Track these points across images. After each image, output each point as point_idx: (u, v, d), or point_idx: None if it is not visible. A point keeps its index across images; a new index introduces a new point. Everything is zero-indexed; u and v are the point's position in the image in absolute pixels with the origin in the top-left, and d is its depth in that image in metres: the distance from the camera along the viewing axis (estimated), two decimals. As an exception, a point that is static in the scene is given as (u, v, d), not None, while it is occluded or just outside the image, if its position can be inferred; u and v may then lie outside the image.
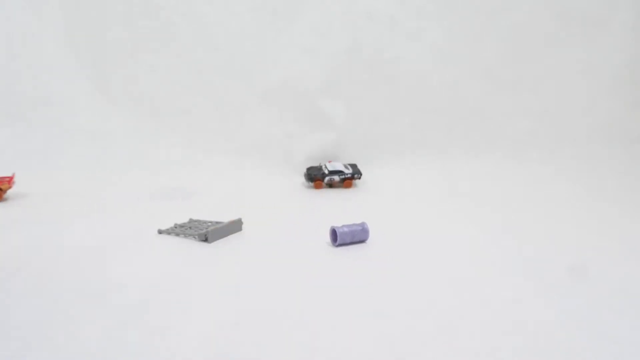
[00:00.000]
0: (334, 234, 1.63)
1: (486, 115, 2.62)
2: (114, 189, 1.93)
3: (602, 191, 2.08)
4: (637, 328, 0.74)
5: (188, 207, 1.98)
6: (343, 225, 1.61)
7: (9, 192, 2.51)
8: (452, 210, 1.77)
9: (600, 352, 0.65)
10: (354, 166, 3.04)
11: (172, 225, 1.90)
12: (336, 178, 2.99)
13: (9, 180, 2.62)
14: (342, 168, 2.97)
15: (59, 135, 2.49)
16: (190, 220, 1.94)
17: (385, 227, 1.63)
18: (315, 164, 2.92)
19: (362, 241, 1.57)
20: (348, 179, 2.99)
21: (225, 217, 1.64)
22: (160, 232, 1.76)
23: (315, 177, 2.86)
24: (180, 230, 1.83)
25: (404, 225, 1.55)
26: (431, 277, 1.09)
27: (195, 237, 1.67)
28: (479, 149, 2.56)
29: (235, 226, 1.79)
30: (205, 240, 1.65)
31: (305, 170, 3.03)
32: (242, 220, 1.69)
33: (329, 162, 3.03)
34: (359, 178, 2.88)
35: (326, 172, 2.98)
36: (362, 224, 1.60)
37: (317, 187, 2.84)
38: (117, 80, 2.49)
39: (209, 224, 1.86)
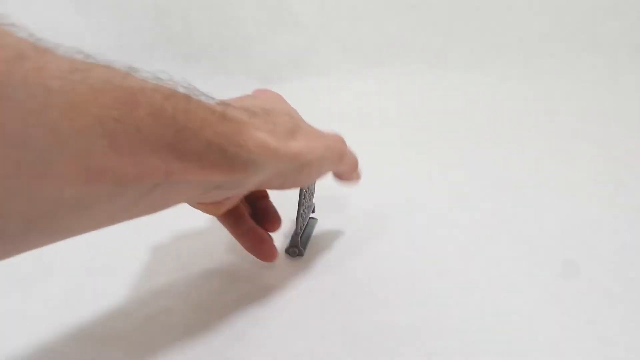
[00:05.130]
0: None
1: (492, 12, 2.02)
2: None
3: (628, 114, 1.61)
4: None
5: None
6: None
7: None
8: (447, 138, 1.34)
9: None
10: None
11: None
12: None
13: None
14: None
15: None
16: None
17: (367, 161, 1.14)
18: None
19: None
20: None
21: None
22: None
23: None
24: None
25: (389, 157, 1.12)
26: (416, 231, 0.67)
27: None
28: (481, 56, 2.01)
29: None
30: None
31: None
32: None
33: None
34: None
35: None
36: None
37: None
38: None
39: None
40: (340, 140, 0.42)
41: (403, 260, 0.53)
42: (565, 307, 0.46)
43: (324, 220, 0.61)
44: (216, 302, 0.44)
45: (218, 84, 1.37)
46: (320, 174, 0.41)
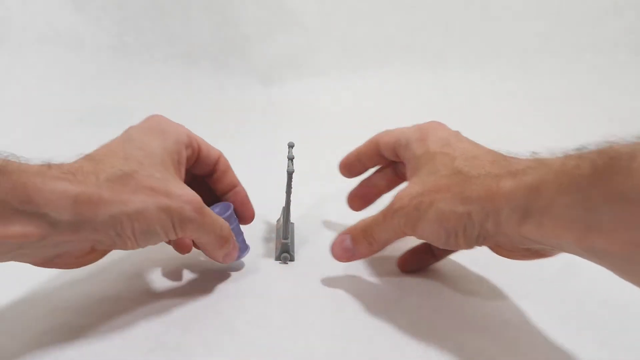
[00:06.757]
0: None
1: (491, 14, 2.02)
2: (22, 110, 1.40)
3: (628, 112, 1.60)
4: None
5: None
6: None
7: None
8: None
9: None
10: None
11: None
12: None
13: None
14: None
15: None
16: None
17: None
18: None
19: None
20: None
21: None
22: None
23: None
24: None
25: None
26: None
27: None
28: (480, 56, 2.01)
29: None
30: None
31: None
32: None
33: None
34: None
35: None
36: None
37: None
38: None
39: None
40: (186, 202, 0.36)
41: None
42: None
43: (321, 220, 0.60)
44: (216, 301, 0.44)
45: (218, 84, 1.36)
46: (149, 233, 0.35)
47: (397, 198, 0.39)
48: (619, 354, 0.39)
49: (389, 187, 0.50)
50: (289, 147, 0.48)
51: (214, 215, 0.39)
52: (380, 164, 0.49)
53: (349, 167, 0.50)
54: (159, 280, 0.46)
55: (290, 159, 0.47)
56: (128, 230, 0.34)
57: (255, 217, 0.48)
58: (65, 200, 0.30)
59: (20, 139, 0.85)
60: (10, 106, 1.06)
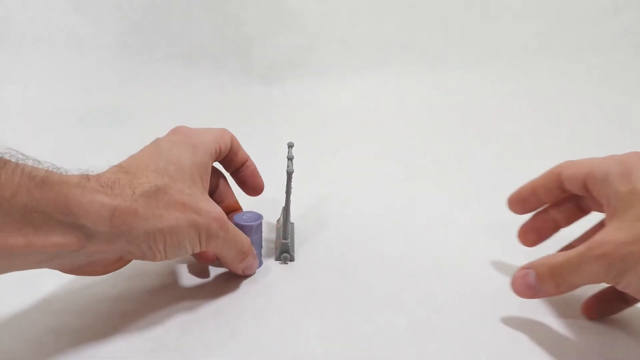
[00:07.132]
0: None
1: (491, 14, 2.02)
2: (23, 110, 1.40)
3: (628, 112, 1.60)
4: None
5: (131, 133, 1.36)
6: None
7: None
8: (447, 138, 1.33)
9: None
10: None
11: None
12: None
13: None
14: None
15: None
16: None
17: (365, 159, 1.13)
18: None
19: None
20: None
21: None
22: None
23: None
24: None
25: (388, 157, 1.11)
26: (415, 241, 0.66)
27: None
28: (480, 56, 2.00)
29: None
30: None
31: None
32: None
33: None
34: None
35: None
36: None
37: None
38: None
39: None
40: (213, 219, 0.38)
41: (403, 260, 0.52)
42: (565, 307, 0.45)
43: (321, 220, 0.60)
44: (216, 301, 0.44)
45: (218, 84, 1.36)
46: (179, 248, 0.37)
47: (597, 243, 0.35)
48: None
49: (569, 222, 0.45)
50: (288, 147, 0.48)
51: (237, 230, 0.42)
52: (559, 198, 0.44)
53: (523, 203, 0.45)
54: (159, 281, 0.46)
55: (290, 159, 0.47)
56: (160, 244, 0.36)
57: (255, 217, 0.48)
58: (104, 213, 0.32)
59: (20, 139, 0.85)
60: (10, 106, 1.05)
